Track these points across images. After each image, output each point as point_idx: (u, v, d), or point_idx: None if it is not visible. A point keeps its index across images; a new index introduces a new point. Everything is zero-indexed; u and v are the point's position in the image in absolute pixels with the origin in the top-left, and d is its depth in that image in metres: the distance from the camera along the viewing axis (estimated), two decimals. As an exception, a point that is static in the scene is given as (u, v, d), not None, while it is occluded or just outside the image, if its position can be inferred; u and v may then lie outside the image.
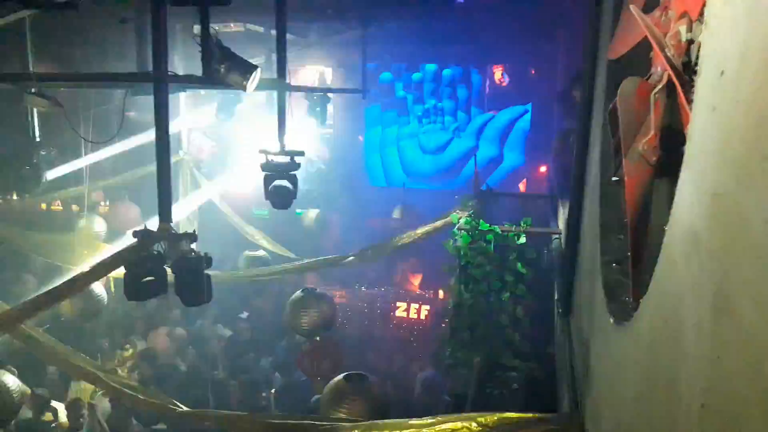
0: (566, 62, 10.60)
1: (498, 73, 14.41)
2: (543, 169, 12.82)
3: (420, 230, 8.88)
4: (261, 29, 11.72)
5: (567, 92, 8.41)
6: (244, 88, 6.58)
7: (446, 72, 14.94)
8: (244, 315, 11.19)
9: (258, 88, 6.86)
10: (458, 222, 7.58)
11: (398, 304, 12.37)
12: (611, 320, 3.11)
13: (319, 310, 8.56)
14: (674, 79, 2.28)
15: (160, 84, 5.55)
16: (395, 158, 15.88)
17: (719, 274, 1.50)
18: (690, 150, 1.85)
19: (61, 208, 13.55)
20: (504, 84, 14.39)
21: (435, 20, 11.61)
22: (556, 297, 6.26)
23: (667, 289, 2.05)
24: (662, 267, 2.11)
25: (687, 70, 2.53)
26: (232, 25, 11.53)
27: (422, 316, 12.20)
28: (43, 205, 13.22)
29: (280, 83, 8.68)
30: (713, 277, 1.54)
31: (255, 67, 6.60)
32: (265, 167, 9.08)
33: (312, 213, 14.05)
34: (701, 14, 2.32)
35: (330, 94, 11.31)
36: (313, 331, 8.60)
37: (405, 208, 12.96)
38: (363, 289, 12.75)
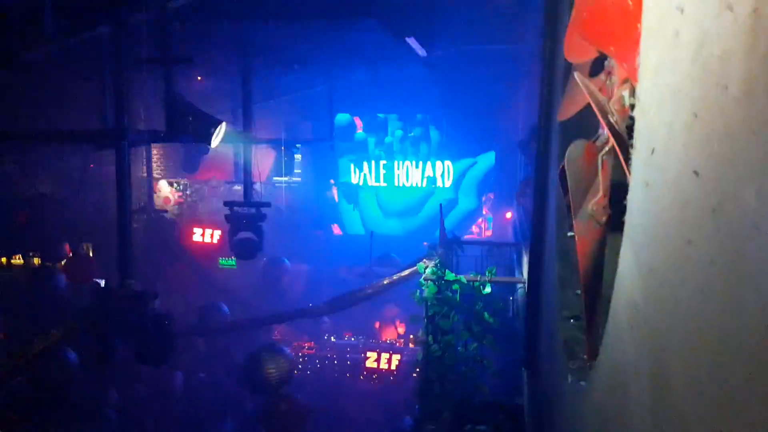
0: (527, 112, 10.86)
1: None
2: (508, 215, 12.97)
3: (387, 280, 8.86)
4: (227, 82, 11.81)
5: (528, 142, 8.60)
6: (209, 143, 6.61)
7: (411, 134, 15.79)
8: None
9: (224, 140, 6.89)
10: (424, 272, 7.58)
11: (368, 354, 12.22)
12: (569, 379, 3.11)
13: (276, 366, 8.40)
14: (616, 148, 2.34)
15: (121, 142, 5.53)
16: (370, 206, 16.30)
17: (657, 350, 1.51)
18: (629, 221, 1.89)
19: (21, 261, 13.24)
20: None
21: (399, 74, 11.86)
22: (521, 347, 6.24)
23: (615, 355, 2.06)
24: (610, 334, 2.13)
25: (631, 134, 2.61)
26: (199, 77, 11.60)
27: (393, 366, 12.06)
28: (3, 259, 12.89)
29: (246, 136, 8.73)
30: (652, 352, 1.55)
31: (219, 121, 6.64)
32: (230, 218, 9.06)
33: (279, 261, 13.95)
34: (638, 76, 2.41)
35: (298, 145, 11.40)
36: (272, 386, 8.43)
37: (380, 258, 12.98)
38: (332, 339, 12.60)
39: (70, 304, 9.73)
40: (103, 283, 10.23)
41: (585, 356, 3.11)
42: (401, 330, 13.05)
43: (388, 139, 15.90)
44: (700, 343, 1.23)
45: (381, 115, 15.60)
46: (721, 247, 1.13)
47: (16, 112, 8.90)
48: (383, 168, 15.95)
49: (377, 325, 13.32)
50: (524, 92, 11.42)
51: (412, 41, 9.26)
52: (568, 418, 3.27)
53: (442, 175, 15.51)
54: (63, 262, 11.86)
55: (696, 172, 1.25)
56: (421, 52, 9.82)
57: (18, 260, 13.21)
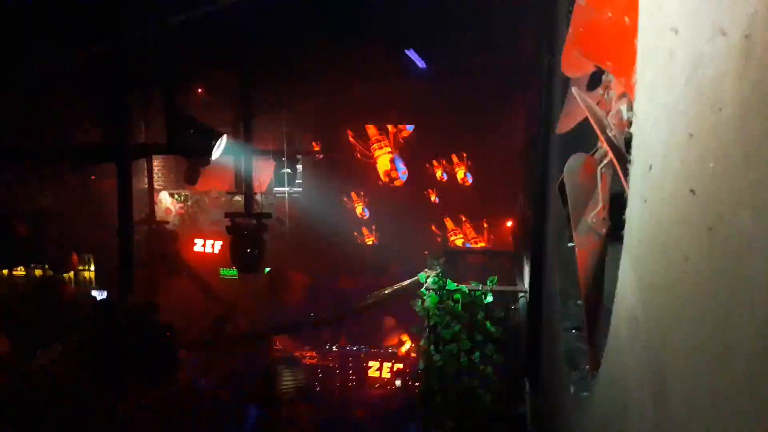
0: (527, 121, 10.92)
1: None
2: (509, 224, 13.01)
3: (388, 290, 8.87)
4: (227, 94, 11.88)
5: (528, 151, 8.63)
6: (209, 155, 6.64)
7: None
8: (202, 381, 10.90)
9: (226, 152, 6.93)
10: (426, 281, 7.59)
11: (370, 363, 12.21)
12: (571, 389, 3.13)
13: (294, 377, 8.43)
14: (614, 162, 2.37)
15: (123, 156, 5.57)
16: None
17: (657, 365, 1.54)
18: (627, 236, 1.92)
19: (23, 272, 13.25)
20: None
21: (398, 86, 11.94)
22: (523, 357, 6.26)
23: (616, 369, 2.09)
24: (611, 346, 2.16)
25: (629, 148, 2.64)
26: (199, 90, 11.67)
27: (394, 375, 12.05)
28: (5, 272, 12.90)
29: (246, 148, 8.78)
30: (652, 366, 1.58)
31: (220, 133, 6.68)
32: (231, 230, 9.09)
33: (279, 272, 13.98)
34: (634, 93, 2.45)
35: (299, 156, 11.46)
36: (290, 397, 8.45)
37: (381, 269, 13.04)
38: (334, 348, 12.59)
39: (73, 316, 9.73)
40: (105, 294, 10.24)
41: (587, 367, 3.13)
42: (403, 340, 13.05)
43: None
44: (698, 359, 1.26)
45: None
46: (717, 265, 1.16)
47: (16, 128, 8.95)
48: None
49: (379, 335, 13.32)
50: (523, 103, 11.48)
51: (411, 53, 9.33)
52: (570, 428, 3.29)
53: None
54: (72, 273, 11.87)
55: (692, 191, 1.28)
56: (420, 63, 9.89)
57: (20, 272, 13.23)
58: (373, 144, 16.16)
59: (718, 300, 1.15)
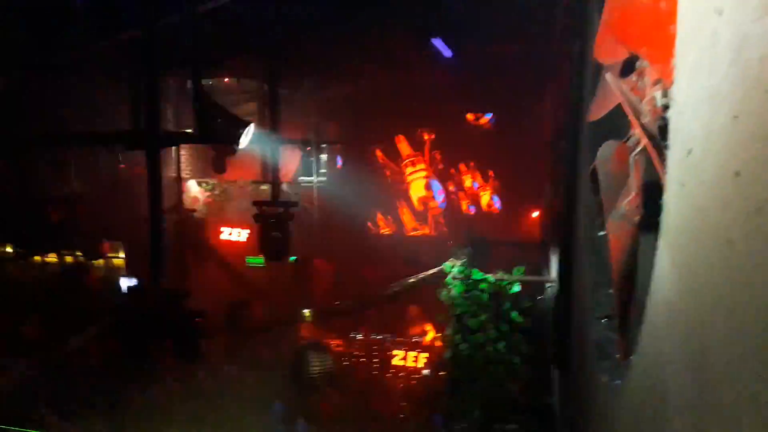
0: (554, 112, 10.80)
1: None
2: (535, 214, 12.91)
3: (413, 279, 8.88)
4: (254, 83, 11.95)
5: (555, 142, 8.54)
6: (237, 144, 6.69)
7: None
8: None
9: (252, 141, 6.98)
10: (451, 271, 7.59)
11: (395, 352, 12.27)
12: (603, 378, 3.11)
13: (322, 362, 8.52)
14: (649, 148, 2.34)
15: (154, 144, 5.64)
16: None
17: (698, 349, 1.52)
18: (665, 221, 1.90)
19: (56, 259, 13.52)
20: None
21: (425, 74, 11.88)
22: (552, 346, 6.23)
23: (652, 355, 2.07)
24: (646, 332, 2.14)
25: (663, 134, 2.60)
26: (226, 79, 11.75)
27: (420, 364, 12.10)
28: (38, 258, 13.18)
29: (273, 137, 8.82)
30: (693, 351, 1.57)
31: (248, 122, 6.72)
32: (258, 218, 9.15)
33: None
34: (673, 77, 2.41)
35: (324, 145, 11.48)
36: (319, 381, 8.55)
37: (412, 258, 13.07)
38: (359, 337, 12.66)
39: (104, 302, 9.93)
40: (134, 281, 10.43)
41: (618, 355, 3.11)
42: (428, 328, 13.07)
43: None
44: (743, 341, 1.24)
45: None
46: (763, 247, 1.15)
47: (49, 114, 9.11)
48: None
49: (402, 323, 13.36)
50: (551, 91, 11.35)
51: (437, 42, 9.27)
52: (602, 416, 3.27)
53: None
54: (102, 261, 12.08)
55: (737, 173, 1.26)
56: (446, 52, 9.82)
57: (52, 258, 13.50)
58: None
59: (764, 281, 1.14)
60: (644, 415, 2.15)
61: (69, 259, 12.57)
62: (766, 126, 1.15)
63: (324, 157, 12.26)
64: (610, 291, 3.74)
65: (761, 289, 1.14)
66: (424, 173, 15.43)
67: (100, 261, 12.03)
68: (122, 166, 11.09)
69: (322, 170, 13.62)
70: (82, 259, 11.76)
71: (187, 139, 6.73)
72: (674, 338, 1.74)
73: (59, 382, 7.93)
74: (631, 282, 2.98)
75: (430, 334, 12.78)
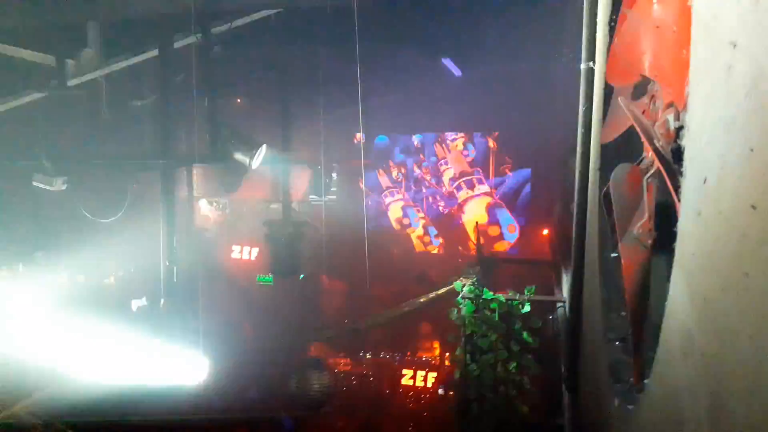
0: (564, 130, 10.82)
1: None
2: (545, 232, 12.87)
3: (423, 298, 8.86)
4: (266, 103, 12.05)
5: (565, 160, 8.54)
6: (249, 165, 6.75)
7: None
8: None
9: (264, 162, 7.03)
10: (462, 290, 7.57)
11: (404, 371, 12.19)
12: (615, 402, 3.09)
13: (320, 382, 8.47)
14: (663, 172, 2.35)
15: (168, 165, 5.70)
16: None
17: (714, 380, 1.52)
18: (680, 248, 1.90)
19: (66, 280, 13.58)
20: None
21: (434, 91, 11.95)
22: (563, 368, 6.18)
23: (667, 383, 2.06)
24: (661, 359, 2.13)
25: (676, 158, 2.61)
26: (238, 99, 11.86)
27: (429, 384, 12.01)
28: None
29: (285, 157, 8.89)
30: (709, 381, 1.56)
31: (260, 143, 6.79)
32: (269, 237, 9.20)
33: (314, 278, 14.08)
34: (687, 105, 2.42)
35: (334, 164, 11.54)
36: (315, 403, 8.50)
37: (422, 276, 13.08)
38: (368, 356, 12.60)
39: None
40: (144, 301, 10.44)
41: (632, 379, 3.09)
42: (437, 348, 13.00)
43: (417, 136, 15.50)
44: (760, 371, 1.24)
45: (418, 136, 15.38)
46: (781, 281, 1.15)
47: (66, 135, 9.23)
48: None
49: (413, 343, 13.30)
50: (561, 110, 11.38)
51: (447, 62, 9.33)
52: (614, 442, 3.25)
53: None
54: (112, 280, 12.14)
55: (753, 206, 1.27)
56: (456, 72, 9.89)
57: (62, 279, 13.57)
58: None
59: (783, 316, 1.14)
60: (660, 443, 2.14)
61: (80, 279, 12.63)
62: (782, 160, 1.16)
63: (335, 175, 12.31)
64: (623, 313, 3.73)
65: (781, 324, 1.15)
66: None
67: (110, 280, 12.08)
68: (134, 186, 11.16)
69: (333, 189, 13.67)
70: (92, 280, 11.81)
71: (200, 159, 6.79)
72: (690, 365, 1.74)
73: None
74: (645, 305, 2.96)
75: (440, 354, 12.71)
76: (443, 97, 12.39)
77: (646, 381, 2.52)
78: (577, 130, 4.80)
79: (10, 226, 8.72)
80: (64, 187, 7.46)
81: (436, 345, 13.21)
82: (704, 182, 1.63)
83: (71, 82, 7.43)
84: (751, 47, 1.32)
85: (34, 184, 7.47)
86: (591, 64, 4.54)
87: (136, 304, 11.15)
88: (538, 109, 11.93)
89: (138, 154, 7.36)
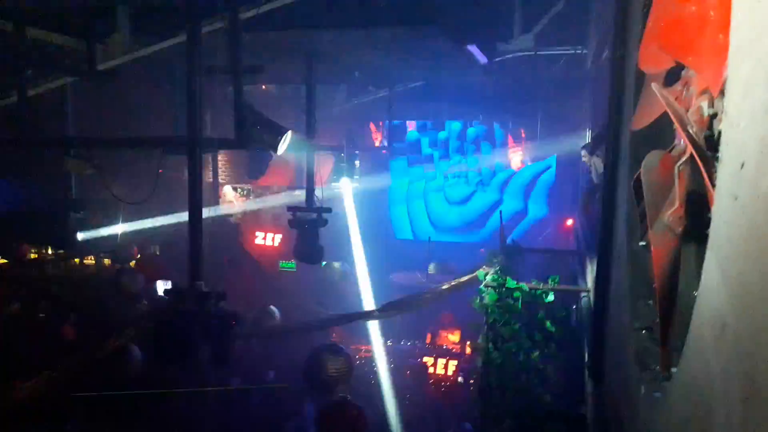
0: (592, 118, 10.70)
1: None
2: (569, 222, 12.78)
3: (445, 286, 8.87)
4: (291, 90, 12.10)
5: (593, 148, 8.45)
6: (275, 150, 6.79)
7: (471, 130, 15.36)
8: (271, 374, 11.11)
9: (289, 148, 7.07)
10: (485, 279, 7.57)
11: (425, 359, 12.25)
12: (642, 390, 3.08)
13: (337, 366, 8.52)
14: (698, 160, 2.32)
15: (195, 149, 5.75)
16: (422, 211, 16.12)
17: (748, 365, 1.51)
18: (714, 233, 1.88)
19: (93, 261, 13.81)
20: None
21: (459, 80, 11.88)
22: (586, 357, 6.17)
23: (697, 370, 2.04)
24: (691, 346, 2.11)
25: (710, 145, 2.57)
26: (263, 86, 11.91)
27: (450, 372, 12.05)
28: (77, 260, 13.48)
29: (309, 144, 8.92)
30: (743, 367, 1.55)
31: (286, 129, 6.82)
32: (293, 223, 9.26)
33: (336, 265, 14.15)
34: (722, 91, 2.38)
35: (357, 151, 11.55)
36: (331, 385, 8.55)
37: (438, 264, 13.07)
38: (389, 343, 12.67)
39: (141, 304, 10.11)
40: (170, 284, 10.59)
41: (659, 367, 3.07)
42: (458, 336, 13.02)
43: (443, 135, 15.48)
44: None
45: (443, 132, 15.25)
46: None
47: (94, 119, 9.36)
48: (447, 168, 15.70)
49: (434, 330, 13.33)
50: (588, 98, 11.26)
51: (473, 48, 9.27)
52: (639, 428, 3.23)
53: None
54: (133, 263, 12.36)
55: (794, 189, 1.25)
56: (482, 59, 9.81)
57: (90, 261, 13.81)
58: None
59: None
60: (690, 429, 2.12)
61: (107, 261, 12.85)
62: (828, 142, 1.14)
63: (357, 162, 12.32)
64: (650, 302, 3.70)
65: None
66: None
67: (132, 263, 12.26)
68: (160, 171, 11.29)
69: (356, 176, 13.70)
70: (118, 263, 12.00)
71: (227, 144, 6.84)
72: (723, 355, 1.72)
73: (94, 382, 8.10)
74: (674, 293, 2.94)
75: (462, 342, 12.73)
76: (466, 85, 12.33)
77: (673, 369, 2.50)
78: (606, 117, 4.75)
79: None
80: (90, 173, 7.58)
81: (457, 333, 13.24)
82: (742, 167, 1.61)
83: (100, 67, 7.53)
84: (796, 28, 1.30)
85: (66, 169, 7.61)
86: (622, 50, 4.48)
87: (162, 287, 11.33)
88: (564, 96, 11.83)
89: (164, 139, 7.42)
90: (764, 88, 1.47)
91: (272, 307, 11.28)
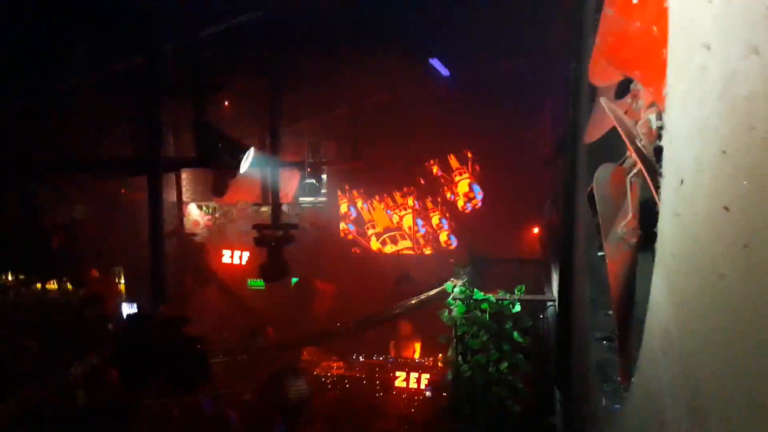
0: (553, 127, 10.85)
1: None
2: (536, 230, 12.90)
3: (414, 300, 8.87)
4: (254, 106, 12.02)
5: (554, 158, 8.58)
6: (237, 168, 6.73)
7: None
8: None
9: (252, 164, 7.02)
10: (452, 291, 7.57)
11: (398, 373, 12.19)
12: (603, 402, 3.10)
13: (297, 389, 8.36)
14: (644, 172, 2.36)
15: (155, 169, 5.67)
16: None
17: (693, 381, 1.53)
18: (660, 249, 1.91)
19: (56, 286, 13.49)
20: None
21: (422, 93, 11.96)
22: (553, 367, 6.20)
23: (650, 384, 2.07)
24: (643, 359, 2.14)
25: (659, 157, 2.62)
26: (226, 102, 11.83)
27: (422, 386, 12.01)
28: (38, 285, 13.14)
29: (273, 159, 8.87)
30: (687, 382, 1.57)
31: (248, 147, 6.77)
32: (259, 241, 9.18)
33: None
34: (665, 106, 2.43)
35: (323, 166, 11.53)
36: (294, 408, 8.41)
37: (404, 276, 13.10)
38: (361, 359, 12.59)
39: (104, 329, 9.88)
40: (134, 307, 10.39)
41: (619, 378, 3.10)
42: (428, 350, 13.01)
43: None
44: (736, 376, 1.25)
45: None
46: (753, 283, 1.16)
47: (50, 140, 9.17)
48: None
49: (404, 344, 13.30)
50: (549, 109, 11.42)
51: (435, 62, 9.35)
52: (602, 441, 3.26)
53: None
54: (95, 286, 12.09)
55: (726, 208, 1.28)
56: (443, 72, 9.90)
57: (52, 285, 13.47)
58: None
59: (755, 318, 1.14)
60: (644, 444, 2.14)
61: (69, 286, 12.53)
62: (752, 163, 1.16)
63: (324, 177, 12.30)
64: (610, 312, 3.74)
65: (751, 325, 1.15)
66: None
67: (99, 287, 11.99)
68: (123, 191, 11.13)
69: (323, 191, 13.67)
70: (75, 286, 11.72)
71: (188, 163, 6.76)
72: (669, 366, 1.74)
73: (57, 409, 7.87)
74: (630, 304, 2.97)
75: (426, 355, 12.71)
76: (428, 98, 12.39)
77: (633, 380, 2.53)
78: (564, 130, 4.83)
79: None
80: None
81: (418, 346, 13.24)
82: (681, 183, 1.64)
83: (57, 87, 7.39)
84: (724, 50, 1.33)
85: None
86: (575, 64, 4.56)
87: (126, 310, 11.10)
88: (526, 107, 11.98)
89: (123, 161, 7.31)
90: (699, 107, 1.50)
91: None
